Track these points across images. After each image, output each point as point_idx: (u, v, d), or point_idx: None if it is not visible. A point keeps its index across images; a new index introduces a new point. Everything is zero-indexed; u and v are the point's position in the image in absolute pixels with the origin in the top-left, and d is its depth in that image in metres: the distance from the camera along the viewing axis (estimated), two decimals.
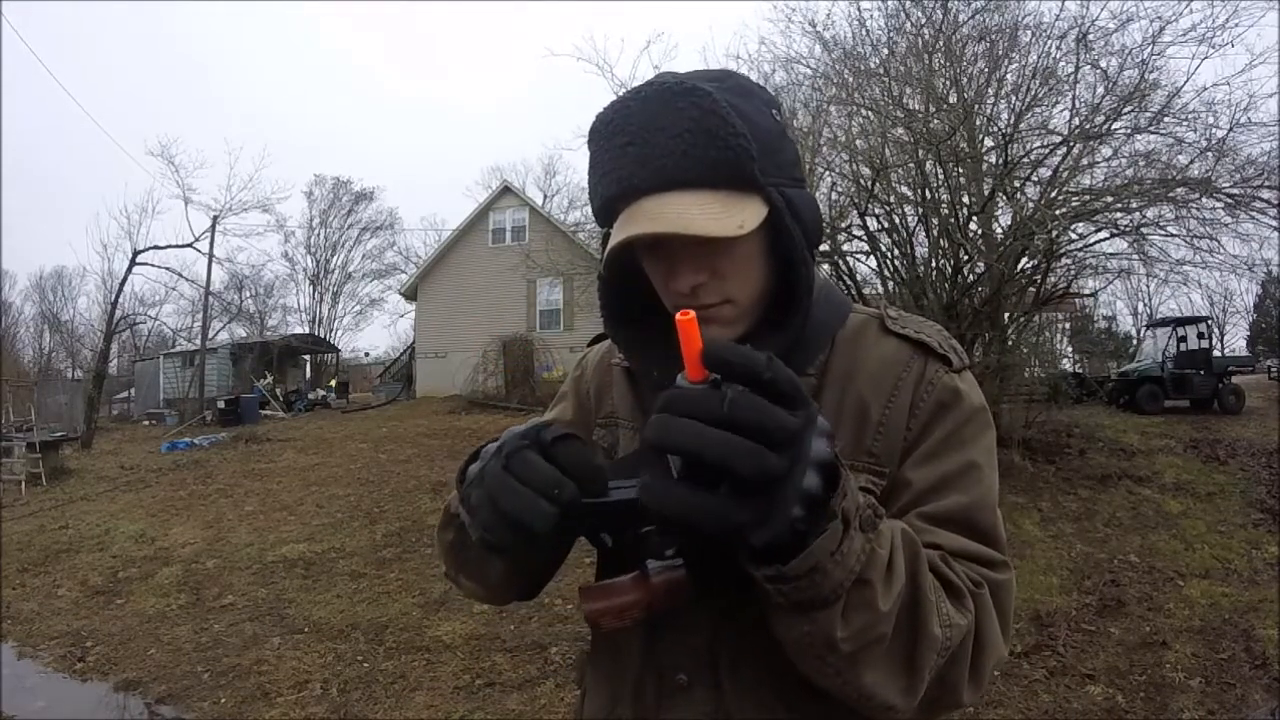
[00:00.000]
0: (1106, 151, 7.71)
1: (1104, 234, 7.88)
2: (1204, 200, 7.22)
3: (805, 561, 0.50)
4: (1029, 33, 7.81)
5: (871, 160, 7.49)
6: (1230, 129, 7.03)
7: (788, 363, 0.68)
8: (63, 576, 6.06)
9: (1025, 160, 7.50)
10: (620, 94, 0.70)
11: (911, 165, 7.62)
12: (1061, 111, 7.71)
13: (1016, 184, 7.75)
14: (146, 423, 18.95)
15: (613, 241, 0.66)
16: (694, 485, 0.47)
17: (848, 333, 0.76)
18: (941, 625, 0.57)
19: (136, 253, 16.72)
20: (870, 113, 7.66)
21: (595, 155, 0.69)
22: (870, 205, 7.89)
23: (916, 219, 8.16)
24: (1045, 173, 7.61)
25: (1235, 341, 32.70)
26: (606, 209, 0.69)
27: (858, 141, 7.97)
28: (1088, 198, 7.48)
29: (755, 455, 0.44)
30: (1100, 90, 7.33)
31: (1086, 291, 10.20)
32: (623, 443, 0.82)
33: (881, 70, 7.97)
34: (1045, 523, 6.10)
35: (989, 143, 7.89)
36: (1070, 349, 15.30)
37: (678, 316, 0.49)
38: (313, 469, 9.55)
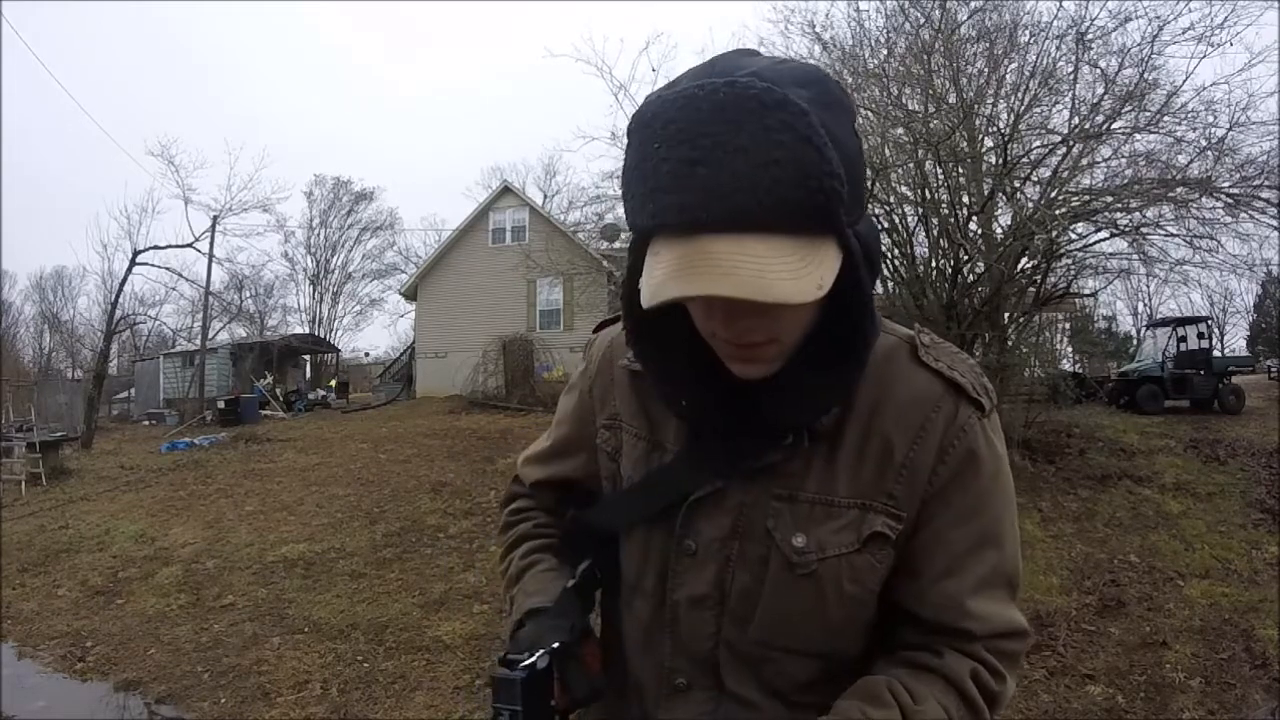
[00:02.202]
0: (1106, 151, 7.72)
1: (1104, 234, 7.89)
2: (1204, 200, 7.22)
3: None
4: (1027, 32, 7.82)
5: (871, 160, 7.49)
6: (1230, 128, 7.05)
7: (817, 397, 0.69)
8: (63, 576, 6.05)
9: (1025, 160, 7.50)
10: (679, 86, 0.57)
11: (911, 165, 7.63)
12: (1061, 111, 7.73)
13: (1016, 184, 7.75)
14: (146, 423, 18.95)
15: (670, 291, 0.55)
16: None
17: (876, 357, 0.69)
18: None
19: (136, 253, 16.74)
20: (870, 113, 7.66)
21: (647, 160, 0.57)
22: (870, 205, 7.89)
23: (916, 219, 8.17)
24: (1045, 173, 7.62)
25: (1235, 341, 32.78)
26: (659, 229, 0.58)
27: None
28: (1088, 198, 7.48)
29: None
30: (1099, 90, 7.34)
31: (1086, 291, 10.21)
32: (626, 446, 0.80)
33: (880, 71, 7.97)
34: (1045, 523, 6.10)
35: (989, 143, 7.90)
36: (1070, 349, 15.33)
37: None
38: (313, 469, 9.55)
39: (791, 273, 0.54)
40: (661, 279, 0.56)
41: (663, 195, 0.55)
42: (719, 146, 0.53)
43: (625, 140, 0.61)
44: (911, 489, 0.68)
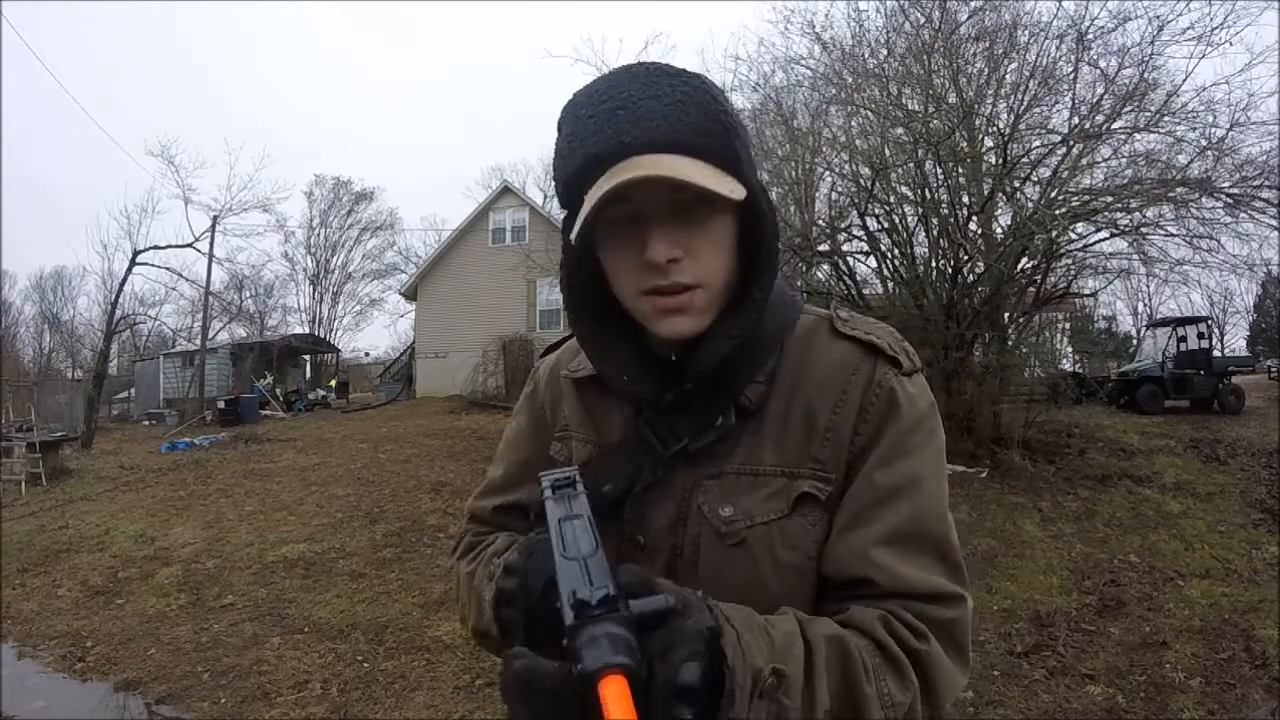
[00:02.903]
0: (1106, 151, 7.73)
1: (1104, 234, 7.90)
2: (1204, 200, 7.23)
3: None
4: (1026, 32, 7.82)
5: (871, 160, 7.50)
6: (1230, 128, 7.05)
7: (739, 364, 0.71)
8: (63, 576, 6.05)
9: (1025, 160, 7.50)
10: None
11: (911, 165, 7.63)
12: (1060, 111, 7.74)
13: (1016, 184, 7.76)
14: (146, 423, 18.94)
15: (600, 189, 0.61)
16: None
17: (798, 336, 0.74)
18: (884, 707, 0.58)
19: (136, 253, 16.73)
20: (870, 113, 7.67)
21: (575, 124, 0.65)
22: (870, 205, 7.90)
23: (916, 219, 8.18)
24: (1045, 173, 7.62)
25: (1235, 341, 32.75)
26: (588, 169, 0.64)
27: (857, 141, 7.98)
28: (1088, 198, 7.48)
29: None
30: (1099, 90, 7.35)
31: (1086, 291, 10.21)
32: (575, 454, 0.80)
33: (880, 71, 7.98)
34: (1045, 523, 6.10)
35: (989, 143, 7.90)
36: (1070, 349, 15.32)
37: (603, 683, 0.43)
38: (313, 469, 9.55)
39: (710, 175, 0.63)
40: (593, 194, 0.62)
41: (589, 138, 0.64)
42: (633, 98, 0.63)
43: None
44: (836, 452, 0.69)
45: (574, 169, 0.65)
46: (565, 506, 0.61)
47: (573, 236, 0.65)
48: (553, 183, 0.69)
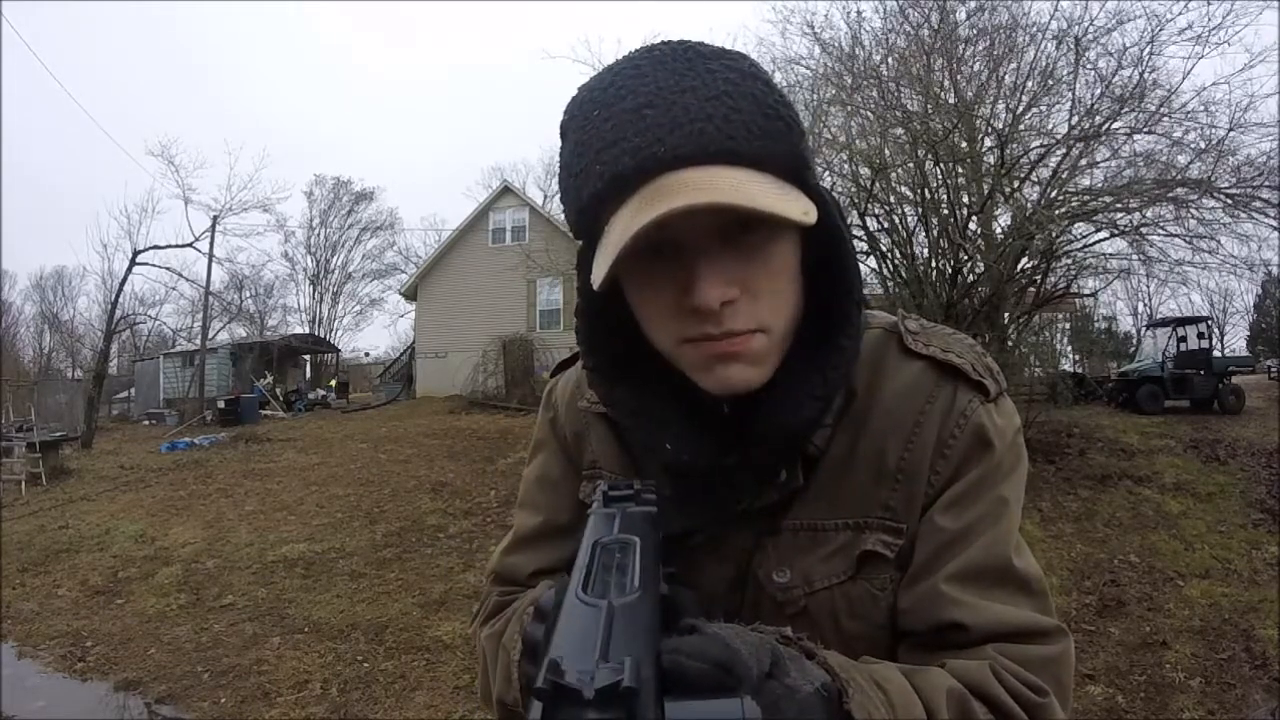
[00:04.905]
0: (1105, 152, 7.73)
1: (1104, 234, 7.90)
2: (1203, 200, 7.23)
3: None
4: (1025, 34, 7.84)
5: (871, 160, 7.51)
6: (1230, 129, 7.05)
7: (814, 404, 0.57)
8: (63, 576, 6.06)
9: (1024, 160, 7.51)
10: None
11: (911, 165, 7.64)
12: (1060, 111, 7.75)
13: (1015, 184, 7.76)
14: (146, 423, 18.94)
15: (632, 222, 0.47)
16: None
17: (863, 357, 0.61)
18: None
19: (136, 253, 16.74)
20: (869, 113, 7.68)
21: (587, 130, 0.50)
22: (870, 205, 7.90)
23: (916, 219, 8.18)
24: (1044, 173, 7.63)
25: (1235, 341, 32.72)
26: (609, 194, 0.49)
27: (857, 141, 7.98)
28: (1087, 198, 7.49)
29: None
30: (1098, 90, 7.36)
31: (1086, 291, 10.22)
32: None
33: (876, 74, 7.99)
34: (1045, 523, 6.10)
35: (988, 143, 7.91)
36: (1070, 349, 15.33)
37: None
38: (313, 469, 9.55)
39: (777, 192, 0.49)
40: (622, 229, 0.48)
41: (606, 150, 0.49)
42: (664, 91, 0.49)
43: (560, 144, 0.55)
44: (910, 497, 0.59)
45: (590, 194, 0.50)
46: (613, 524, 0.45)
47: (595, 282, 0.50)
48: (561, 203, 0.55)
